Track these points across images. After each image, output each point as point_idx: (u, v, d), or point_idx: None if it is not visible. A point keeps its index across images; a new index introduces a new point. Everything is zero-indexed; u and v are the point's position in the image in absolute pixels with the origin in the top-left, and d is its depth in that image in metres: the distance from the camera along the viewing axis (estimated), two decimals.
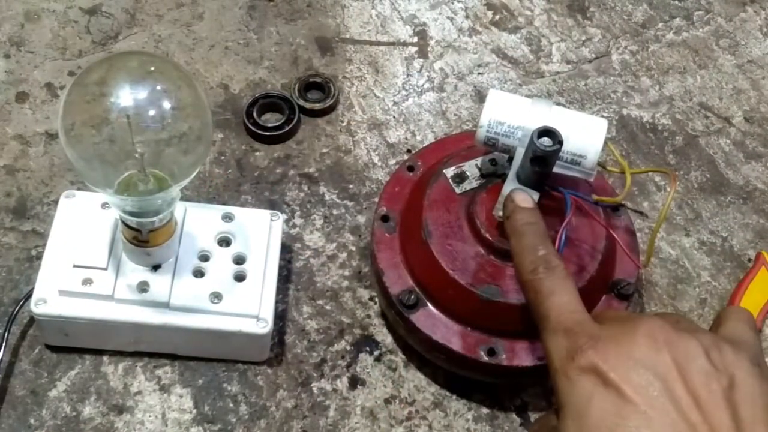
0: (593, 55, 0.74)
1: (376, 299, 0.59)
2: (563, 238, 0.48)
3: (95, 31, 0.70)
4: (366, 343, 0.57)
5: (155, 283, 0.52)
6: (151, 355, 0.55)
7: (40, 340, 0.55)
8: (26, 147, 0.63)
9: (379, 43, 0.72)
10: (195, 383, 0.55)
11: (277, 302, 0.55)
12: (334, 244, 0.61)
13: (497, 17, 0.75)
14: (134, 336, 0.53)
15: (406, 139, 0.67)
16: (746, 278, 0.61)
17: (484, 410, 0.55)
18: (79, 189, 0.56)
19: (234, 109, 0.67)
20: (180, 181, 0.47)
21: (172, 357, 0.55)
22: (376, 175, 0.65)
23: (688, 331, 0.41)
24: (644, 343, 0.40)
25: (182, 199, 0.52)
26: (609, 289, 0.54)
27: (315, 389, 0.55)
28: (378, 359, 0.57)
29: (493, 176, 0.54)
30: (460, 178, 0.55)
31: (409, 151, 0.66)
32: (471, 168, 0.55)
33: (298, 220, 0.62)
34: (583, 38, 0.74)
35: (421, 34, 0.73)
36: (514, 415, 0.55)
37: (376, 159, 0.65)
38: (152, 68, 0.47)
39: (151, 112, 0.45)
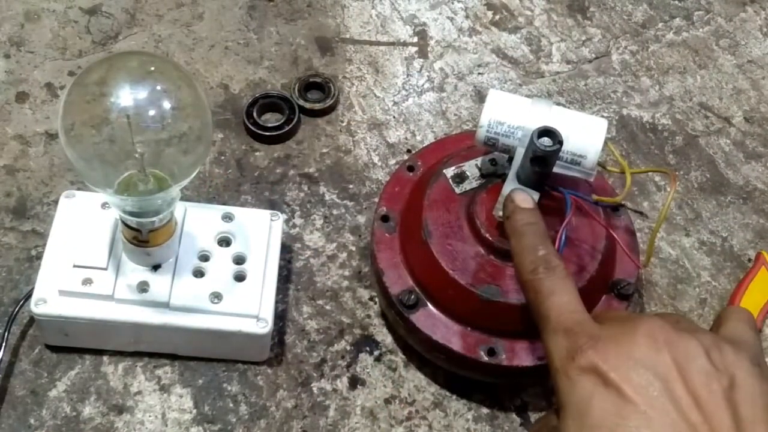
0: (593, 55, 0.74)
1: (376, 299, 0.59)
2: (563, 238, 0.48)
3: (95, 31, 0.70)
4: (366, 343, 0.57)
5: (155, 283, 0.52)
6: (151, 355, 0.55)
7: (40, 340, 0.55)
8: (26, 147, 0.63)
9: (379, 43, 0.72)
10: (195, 383, 0.55)
11: (277, 302, 0.55)
12: (334, 244, 0.61)
13: (497, 17, 0.75)
14: (134, 336, 0.53)
15: (406, 139, 0.67)
16: (746, 278, 0.61)
17: (484, 410, 0.55)
18: (79, 189, 0.56)
19: (234, 109, 0.67)
20: (180, 181, 0.47)
21: (172, 357, 0.55)
22: (376, 175, 0.65)
23: (688, 331, 0.41)
24: (644, 343, 0.40)
25: (182, 199, 0.52)
26: (609, 289, 0.54)
27: (315, 389, 0.55)
28: (378, 359, 0.57)
29: (493, 176, 0.54)
30: (460, 178, 0.55)
31: (409, 151, 0.66)
32: (471, 168, 0.55)
33: (298, 220, 0.62)
34: (583, 38, 0.74)
35: (421, 34, 0.73)
36: (514, 415, 0.55)
37: (376, 159, 0.65)
38: (152, 68, 0.47)
39: (151, 112, 0.45)
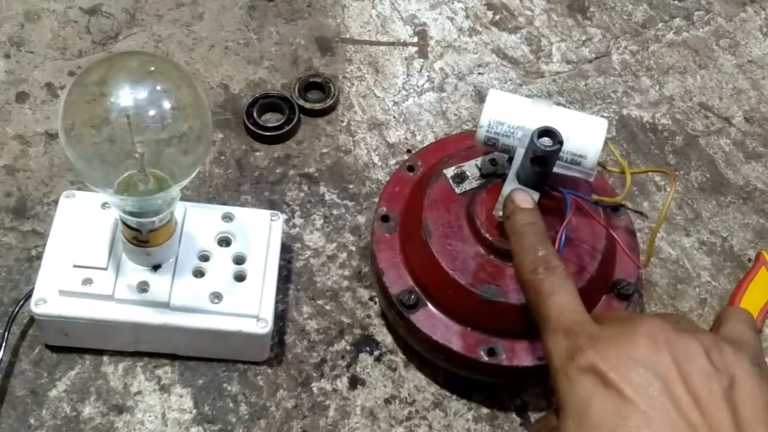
0: (593, 55, 0.74)
1: (376, 299, 0.59)
2: (563, 238, 0.48)
3: (95, 31, 0.70)
4: (366, 343, 0.57)
5: (155, 283, 0.52)
6: (151, 355, 0.55)
7: (40, 340, 0.55)
8: (26, 147, 0.63)
9: (379, 43, 0.72)
10: (195, 383, 0.55)
11: (277, 302, 0.55)
12: (334, 244, 0.61)
13: (497, 17, 0.75)
14: (134, 336, 0.53)
15: (406, 139, 0.67)
16: (746, 278, 0.61)
17: (484, 410, 0.55)
18: (79, 189, 0.56)
19: (234, 109, 0.67)
20: (180, 181, 0.47)
21: (172, 357, 0.55)
22: (376, 175, 0.65)
23: (688, 332, 0.41)
24: (644, 343, 0.40)
25: (182, 199, 0.52)
26: (609, 289, 0.54)
27: (315, 389, 0.55)
28: (378, 359, 0.57)
29: (493, 176, 0.54)
30: (460, 178, 0.55)
31: (409, 151, 0.66)
32: (471, 168, 0.55)
33: (298, 220, 0.62)
34: (583, 38, 0.74)
35: (421, 34, 0.73)
36: (514, 415, 0.55)
37: (376, 159, 0.65)
38: (152, 68, 0.47)
39: (151, 112, 0.45)
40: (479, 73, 0.71)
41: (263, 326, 0.52)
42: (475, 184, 0.54)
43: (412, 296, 0.53)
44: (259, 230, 0.55)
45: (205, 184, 0.63)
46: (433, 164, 0.57)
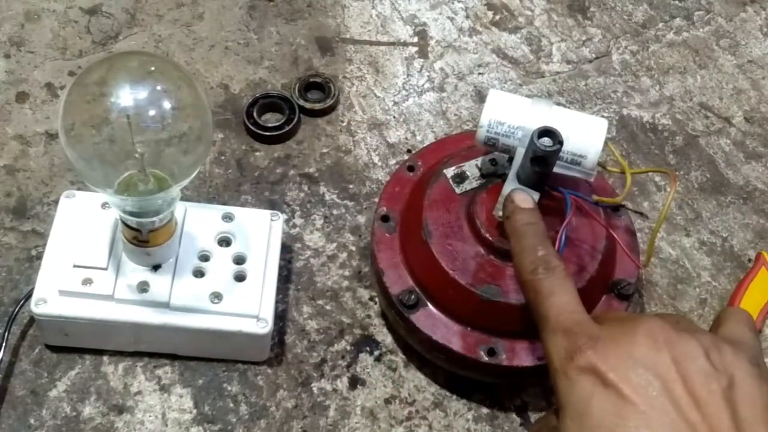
0: (593, 55, 0.74)
1: (376, 299, 0.59)
2: (563, 238, 0.48)
3: (95, 31, 0.70)
4: (366, 343, 0.57)
5: (155, 283, 0.52)
6: (151, 355, 0.55)
7: (40, 340, 0.55)
8: (26, 147, 0.63)
9: (379, 43, 0.72)
10: (195, 383, 0.55)
11: (277, 302, 0.55)
12: (334, 244, 0.61)
13: (497, 17, 0.75)
14: (134, 336, 0.53)
15: (406, 139, 0.67)
16: (746, 278, 0.61)
17: (484, 410, 0.55)
18: (79, 189, 0.56)
19: (234, 109, 0.67)
20: (180, 181, 0.47)
21: (172, 357, 0.55)
22: (376, 175, 0.65)
23: (687, 332, 0.41)
24: (644, 343, 0.40)
25: (182, 199, 0.52)
26: (609, 289, 0.54)
27: (315, 389, 0.55)
28: (378, 359, 0.57)
29: (494, 176, 0.54)
30: (461, 178, 0.55)
31: (409, 151, 0.66)
32: (471, 168, 0.55)
33: (298, 220, 0.62)
34: (584, 38, 0.74)
35: (422, 34, 0.73)
36: (514, 415, 0.55)
37: (376, 159, 0.65)
38: (152, 68, 0.47)
39: (151, 112, 0.45)
40: (479, 73, 0.71)
41: (263, 326, 0.52)
42: (475, 184, 0.54)
43: (412, 296, 0.53)
44: (260, 230, 0.55)
45: (205, 184, 0.63)
46: (433, 164, 0.57)
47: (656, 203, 0.66)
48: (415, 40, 0.73)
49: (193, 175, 0.48)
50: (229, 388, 0.55)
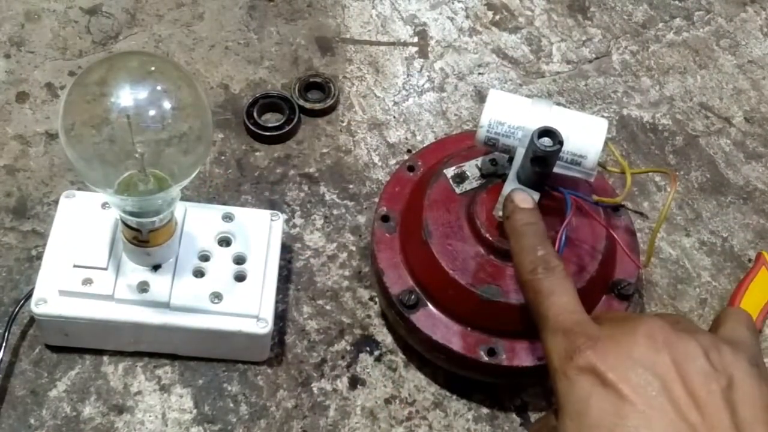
0: (593, 55, 0.74)
1: (376, 299, 0.59)
2: (563, 238, 0.48)
3: (95, 31, 0.70)
4: (366, 343, 0.57)
5: (155, 283, 0.52)
6: (151, 355, 0.55)
7: (40, 340, 0.55)
8: (26, 147, 0.63)
9: (379, 43, 0.72)
10: (195, 383, 0.55)
11: (277, 302, 0.55)
12: (335, 244, 0.61)
13: (497, 17, 0.75)
14: (134, 336, 0.53)
15: (406, 139, 0.67)
16: (746, 278, 0.61)
17: (484, 410, 0.55)
18: (79, 189, 0.56)
19: (234, 109, 0.67)
20: (180, 181, 0.47)
21: (172, 357, 0.55)
22: (377, 175, 0.65)
23: (687, 332, 0.41)
24: (643, 344, 0.40)
25: (182, 199, 0.52)
26: (609, 289, 0.54)
27: (315, 389, 0.55)
28: (378, 359, 0.57)
29: (494, 176, 0.54)
30: (461, 178, 0.55)
31: (409, 151, 0.66)
32: (471, 168, 0.55)
33: (298, 220, 0.62)
34: (584, 38, 0.74)
35: (422, 34, 0.73)
36: (514, 415, 0.55)
37: (376, 159, 0.65)
38: (152, 68, 0.47)
39: (152, 112, 0.45)
40: (479, 73, 0.71)
41: (263, 326, 0.52)
42: (475, 184, 0.54)
43: (412, 296, 0.53)
44: (260, 230, 0.55)
45: (206, 184, 0.63)
46: (433, 164, 0.57)
47: (656, 203, 0.66)
48: (415, 40, 0.73)
49: (193, 175, 0.48)
50: (229, 388, 0.55)
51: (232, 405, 0.54)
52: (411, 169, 0.58)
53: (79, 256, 0.52)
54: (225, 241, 0.55)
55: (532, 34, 0.74)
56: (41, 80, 0.67)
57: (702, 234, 0.64)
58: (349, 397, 0.55)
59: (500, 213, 0.50)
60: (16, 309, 0.54)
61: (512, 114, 0.51)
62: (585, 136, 0.50)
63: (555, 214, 0.50)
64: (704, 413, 0.37)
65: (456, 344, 0.52)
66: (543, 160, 0.48)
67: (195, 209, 0.55)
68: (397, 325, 0.55)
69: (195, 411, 0.54)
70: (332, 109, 0.68)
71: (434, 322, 0.52)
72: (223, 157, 0.64)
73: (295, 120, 0.66)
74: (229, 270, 0.54)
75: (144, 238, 0.50)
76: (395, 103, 0.69)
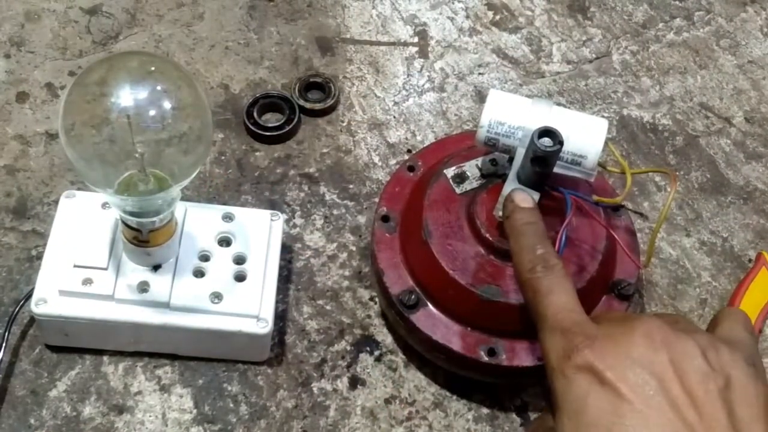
0: (594, 56, 0.74)
1: (377, 299, 0.59)
2: (563, 238, 0.48)
3: (95, 31, 0.70)
4: (366, 343, 0.57)
5: (155, 283, 0.52)
6: (151, 355, 0.55)
7: (40, 340, 0.55)
8: (26, 147, 0.63)
9: (379, 43, 0.72)
10: (195, 383, 0.55)
11: (277, 302, 0.55)
12: (335, 244, 0.61)
13: (498, 17, 0.75)
14: (134, 336, 0.53)
15: (406, 139, 0.67)
16: (746, 278, 0.61)
17: (484, 410, 0.55)
18: (79, 189, 0.56)
19: (234, 109, 0.67)
20: (180, 181, 0.47)
21: (172, 357, 0.55)
22: (377, 175, 0.65)
23: (685, 332, 0.41)
24: (641, 343, 0.40)
25: (182, 199, 0.52)
26: (609, 289, 0.54)
27: (315, 389, 0.55)
28: (378, 359, 0.57)
29: (494, 176, 0.54)
30: (461, 178, 0.55)
31: (409, 151, 0.66)
32: (471, 168, 0.55)
33: (298, 220, 0.62)
34: (584, 38, 0.74)
35: (422, 34, 0.73)
36: (514, 415, 0.55)
37: (376, 159, 0.65)
38: (152, 68, 0.47)
39: (152, 112, 0.45)
40: (479, 73, 0.71)
41: (263, 326, 0.52)
42: (475, 184, 0.54)
43: (412, 296, 0.53)
44: (260, 230, 0.55)
45: (206, 184, 0.63)
46: (433, 164, 0.57)
47: (656, 203, 0.66)
48: (416, 40, 0.73)
49: (194, 175, 0.48)
50: (229, 388, 0.55)
51: (232, 405, 0.54)
52: (411, 169, 0.58)
53: (79, 256, 0.52)
54: (225, 241, 0.55)
55: (532, 34, 0.74)
56: (41, 80, 0.67)
57: (702, 234, 0.64)
58: (349, 397, 0.55)
59: (500, 213, 0.50)
60: (16, 309, 0.54)
61: (512, 114, 0.51)
62: (585, 136, 0.50)
63: (555, 214, 0.50)
64: (702, 413, 0.38)
65: (456, 344, 0.52)
66: (543, 160, 0.48)
67: (195, 209, 0.55)
68: (397, 325, 0.55)
69: (195, 411, 0.54)
70: (332, 109, 0.68)
71: (434, 322, 0.53)
72: (223, 157, 0.64)
73: (295, 120, 0.66)
74: (229, 270, 0.54)
75: (144, 238, 0.50)
76: (395, 103, 0.69)
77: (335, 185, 0.64)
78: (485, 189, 0.53)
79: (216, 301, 0.52)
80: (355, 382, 0.56)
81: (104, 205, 0.54)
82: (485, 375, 0.53)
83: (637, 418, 0.37)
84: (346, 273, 0.60)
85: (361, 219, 0.62)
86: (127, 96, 0.45)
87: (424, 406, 0.55)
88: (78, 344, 0.54)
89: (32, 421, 0.52)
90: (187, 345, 0.54)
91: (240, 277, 0.54)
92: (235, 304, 0.52)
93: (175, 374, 0.55)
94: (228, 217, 0.55)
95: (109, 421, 0.53)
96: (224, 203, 0.62)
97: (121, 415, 0.53)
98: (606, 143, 0.50)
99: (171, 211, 0.50)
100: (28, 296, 0.52)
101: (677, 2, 0.78)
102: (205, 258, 0.54)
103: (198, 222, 0.55)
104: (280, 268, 0.56)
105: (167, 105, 0.46)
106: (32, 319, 0.55)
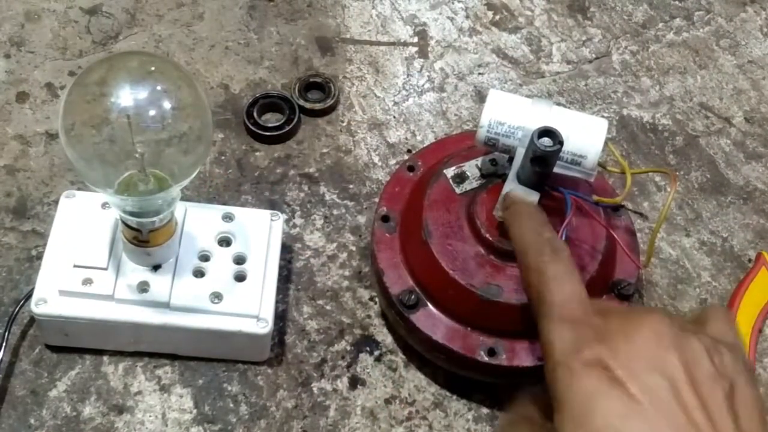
0: (593, 56, 0.74)
1: (377, 299, 0.59)
2: (563, 238, 0.48)
3: (95, 31, 0.70)
4: (366, 343, 0.57)
5: (155, 283, 0.52)
6: (151, 355, 0.55)
7: (40, 340, 0.55)
8: (26, 147, 0.63)
9: (379, 43, 0.72)
10: (195, 383, 0.55)
11: (277, 302, 0.55)
12: (335, 244, 0.61)
13: (497, 17, 0.75)
14: (134, 336, 0.53)
15: (406, 139, 0.67)
16: (746, 278, 0.61)
17: (484, 410, 0.55)
18: (79, 189, 0.56)
19: (234, 109, 0.67)
20: (180, 181, 0.47)
21: (172, 357, 0.55)
22: (377, 175, 0.65)
23: (690, 332, 0.39)
24: (652, 341, 0.38)
25: (182, 199, 0.52)
26: (609, 289, 0.54)
27: (315, 389, 0.55)
28: (378, 359, 0.57)
29: (494, 176, 0.54)
30: (461, 178, 0.55)
31: (409, 151, 0.66)
32: (471, 168, 0.55)
33: (298, 220, 0.62)
34: (584, 38, 0.74)
35: (422, 34, 0.73)
36: None
37: (376, 159, 0.65)
38: (152, 68, 0.47)
39: (152, 112, 0.45)
40: (479, 73, 0.71)
41: (263, 326, 0.52)
42: (475, 184, 0.54)
43: (412, 296, 0.53)
44: (260, 230, 0.55)
45: (206, 184, 0.63)
46: (433, 164, 0.57)
47: (656, 203, 0.66)
48: (415, 40, 0.73)
49: (193, 175, 0.48)
50: (229, 388, 0.55)
51: (232, 405, 0.54)
52: (411, 169, 0.58)
53: (79, 256, 0.52)
54: (225, 241, 0.55)
55: (532, 34, 0.74)
56: (41, 80, 0.67)
57: (702, 234, 0.64)
58: (349, 397, 0.55)
59: (500, 213, 0.50)
60: (16, 309, 0.54)
61: (512, 114, 0.51)
62: (585, 136, 0.50)
63: (555, 214, 0.50)
64: (713, 419, 0.36)
65: (456, 344, 0.52)
66: (543, 160, 0.48)
67: (195, 209, 0.55)
68: (397, 325, 0.55)
69: (195, 411, 0.54)
70: (332, 109, 0.68)
71: (434, 322, 0.53)
72: (223, 157, 0.64)
73: (295, 120, 0.66)
74: (229, 270, 0.54)
75: (144, 238, 0.50)
76: (395, 103, 0.69)
77: (335, 185, 0.64)
78: (485, 189, 0.53)
79: (216, 301, 0.52)
80: (355, 382, 0.56)
81: (104, 205, 0.54)
82: (485, 375, 0.53)
83: (647, 421, 0.36)
84: (346, 273, 0.60)
85: (361, 219, 0.62)
86: (127, 96, 0.45)
87: (424, 406, 0.55)
88: (78, 344, 0.54)
89: (32, 421, 0.52)
90: (187, 345, 0.54)
91: (240, 277, 0.54)
92: (235, 304, 0.52)
93: (175, 374, 0.55)
94: (228, 217, 0.55)
95: (109, 421, 0.53)
96: (224, 203, 0.62)
97: (121, 415, 0.53)
98: (606, 143, 0.50)
99: (171, 211, 0.50)
100: (28, 296, 0.52)
101: (677, 2, 0.78)
102: (205, 258, 0.54)
103: (198, 222, 0.55)
104: (280, 268, 0.56)
105: (167, 105, 0.46)
106: (32, 319, 0.55)
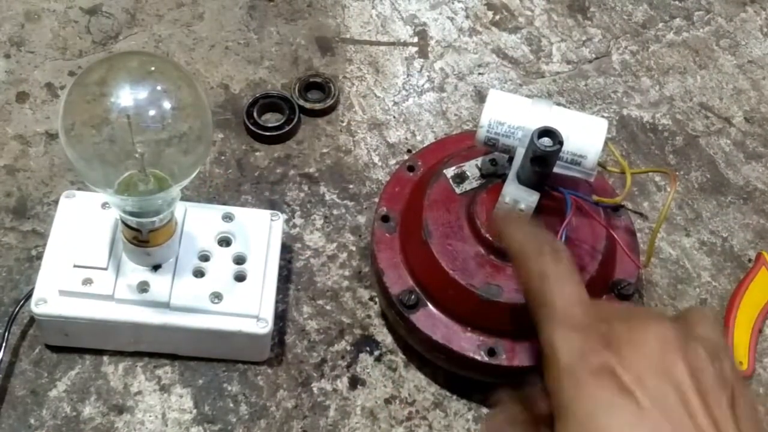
0: (593, 56, 0.74)
1: (376, 299, 0.59)
2: (563, 238, 0.48)
3: (95, 31, 0.70)
4: (366, 343, 0.57)
5: (155, 283, 0.52)
6: (151, 355, 0.55)
7: (40, 340, 0.55)
8: (26, 147, 0.63)
9: (379, 43, 0.72)
10: (195, 383, 0.55)
11: (277, 302, 0.55)
12: (335, 244, 0.61)
13: (497, 17, 0.75)
14: (134, 336, 0.53)
15: (406, 139, 0.67)
16: (746, 278, 0.61)
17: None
18: (79, 189, 0.56)
19: (234, 109, 0.67)
20: (180, 181, 0.47)
21: (172, 357, 0.55)
22: (377, 175, 0.65)
23: (691, 336, 0.38)
24: (658, 347, 0.37)
25: (182, 199, 0.52)
26: (609, 289, 0.54)
27: (315, 389, 0.55)
28: (378, 359, 0.57)
29: (494, 176, 0.54)
30: (461, 178, 0.55)
31: (409, 151, 0.66)
32: (471, 168, 0.55)
33: (298, 220, 0.62)
34: (584, 38, 0.74)
35: (422, 34, 0.73)
36: None
37: (376, 159, 0.65)
38: (152, 68, 0.47)
39: (152, 112, 0.45)
40: (479, 73, 0.71)
41: (263, 326, 0.52)
42: (475, 184, 0.54)
43: (412, 296, 0.53)
44: (260, 230, 0.55)
45: (206, 184, 0.63)
46: (433, 164, 0.57)
47: (656, 203, 0.66)
48: (415, 40, 0.73)
49: (193, 175, 0.48)
50: (229, 388, 0.55)
51: (232, 405, 0.54)
52: (411, 169, 0.58)
53: (79, 256, 0.52)
54: (225, 241, 0.55)
55: (532, 34, 0.74)
56: (41, 80, 0.67)
57: (702, 234, 0.64)
58: (349, 397, 0.55)
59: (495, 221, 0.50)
60: (16, 309, 0.54)
61: (512, 114, 0.51)
62: (585, 136, 0.50)
63: (555, 214, 0.50)
64: (719, 427, 0.35)
65: (456, 344, 0.52)
66: (543, 160, 0.48)
67: (195, 209, 0.55)
68: (397, 325, 0.55)
69: (195, 411, 0.54)
70: (332, 109, 0.68)
71: (434, 322, 0.53)
72: (223, 157, 0.64)
73: (295, 120, 0.66)
74: (229, 270, 0.54)
75: (144, 238, 0.50)
76: (395, 103, 0.69)
77: (335, 185, 0.64)
78: (485, 189, 0.53)
79: (216, 301, 0.52)
80: (355, 382, 0.56)
81: (104, 205, 0.54)
82: (485, 375, 0.53)
83: (657, 429, 0.35)
84: (346, 273, 0.60)
85: (361, 219, 0.62)
86: (127, 96, 0.45)
87: (424, 406, 0.55)
88: (78, 344, 0.54)
89: (32, 421, 0.52)
90: (187, 345, 0.54)
91: (240, 277, 0.54)
92: (235, 304, 0.52)
93: (175, 374, 0.55)
94: (228, 217, 0.55)
95: (109, 421, 0.53)
96: (224, 203, 0.62)
97: (121, 415, 0.53)
98: (606, 143, 0.50)
99: (171, 211, 0.50)
100: (28, 296, 0.52)
101: (677, 2, 0.78)
102: (205, 258, 0.54)
103: (198, 222, 0.55)
104: (280, 268, 0.56)
105: (167, 105, 0.46)
106: (32, 319, 0.55)
